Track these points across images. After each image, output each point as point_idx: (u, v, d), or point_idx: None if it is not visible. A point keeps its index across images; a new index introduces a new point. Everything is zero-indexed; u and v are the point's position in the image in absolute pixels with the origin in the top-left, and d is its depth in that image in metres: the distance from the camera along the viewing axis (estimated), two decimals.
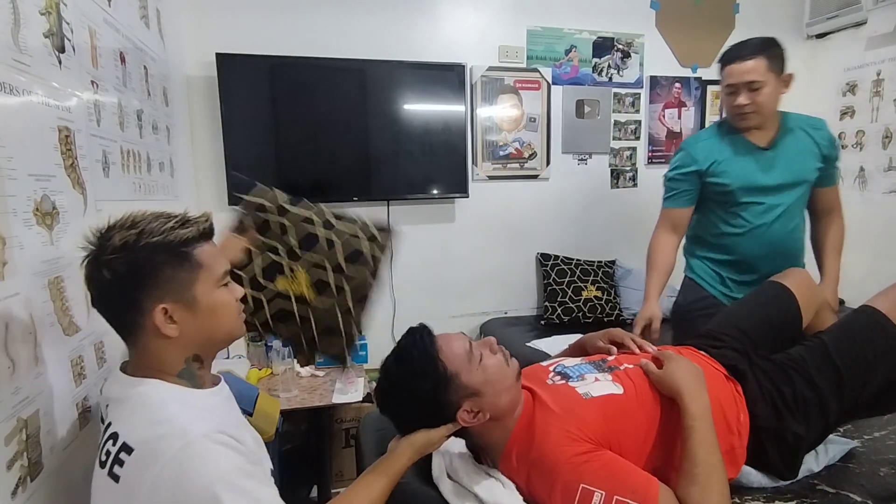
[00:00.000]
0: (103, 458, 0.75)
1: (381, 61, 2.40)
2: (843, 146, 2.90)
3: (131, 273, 0.76)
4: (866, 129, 2.77)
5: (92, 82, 1.21)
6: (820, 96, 3.01)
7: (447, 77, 2.49)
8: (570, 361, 1.16)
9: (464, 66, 2.53)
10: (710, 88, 2.95)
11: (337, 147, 2.41)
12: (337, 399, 1.90)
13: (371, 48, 2.43)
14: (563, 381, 1.08)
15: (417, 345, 0.98)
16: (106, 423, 0.79)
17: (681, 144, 1.80)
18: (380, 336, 2.51)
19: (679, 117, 2.95)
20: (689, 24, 2.88)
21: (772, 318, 1.31)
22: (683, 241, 1.82)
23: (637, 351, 1.20)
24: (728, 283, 1.73)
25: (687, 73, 2.93)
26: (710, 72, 2.94)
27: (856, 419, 1.23)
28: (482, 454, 1.05)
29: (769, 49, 1.55)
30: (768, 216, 1.64)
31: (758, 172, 1.62)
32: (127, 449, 0.72)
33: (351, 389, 1.95)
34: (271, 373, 2.06)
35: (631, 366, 1.12)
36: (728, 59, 1.59)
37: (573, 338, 2.17)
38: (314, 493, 2.17)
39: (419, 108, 2.48)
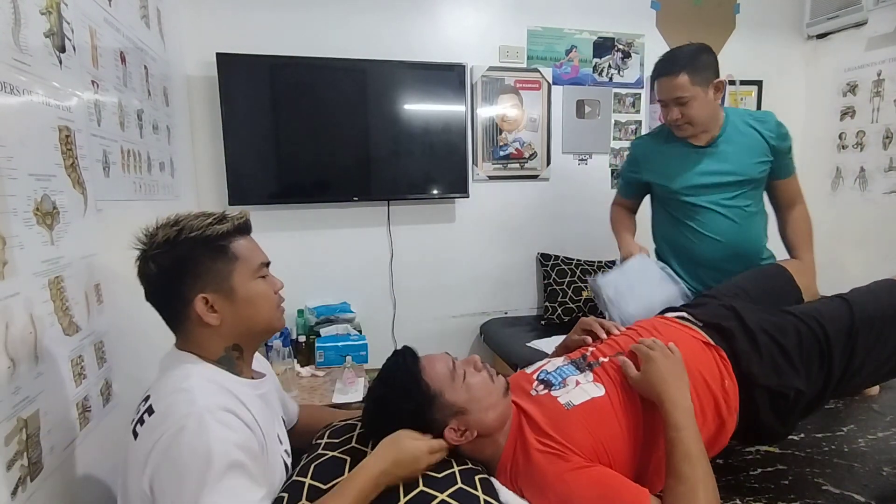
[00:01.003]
0: (134, 416, 0.82)
1: (382, 61, 2.40)
2: (843, 146, 2.90)
3: (174, 266, 0.85)
4: (867, 129, 2.77)
5: (92, 82, 1.21)
6: (820, 96, 3.01)
7: (447, 77, 2.49)
8: (552, 365, 1.16)
9: (464, 66, 2.53)
10: None
11: (337, 147, 2.41)
12: (337, 399, 1.89)
13: (371, 48, 2.43)
14: (546, 391, 1.07)
15: (400, 366, 0.98)
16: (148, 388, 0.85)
17: (632, 142, 1.93)
18: (380, 336, 2.52)
19: None
20: (689, 24, 2.88)
21: (773, 284, 1.32)
22: (653, 242, 1.89)
23: (603, 335, 1.19)
24: (698, 281, 1.73)
25: None
26: None
27: (861, 384, 1.19)
28: None
29: (694, 61, 1.53)
30: (717, 217, 1.63)
31: (693, 171, 1.63)
32: (150, 410, 0.79)
33: (351, 389, 1.94)
34: None
35: (606, 359, 1.11)
36: (655, 73, 1.60)
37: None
38: None
39: (419, 108, 2.48)
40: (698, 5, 2.89)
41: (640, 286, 1.61)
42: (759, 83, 3.04)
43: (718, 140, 1.62)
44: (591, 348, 1.18)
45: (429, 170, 2.54)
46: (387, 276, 2.62)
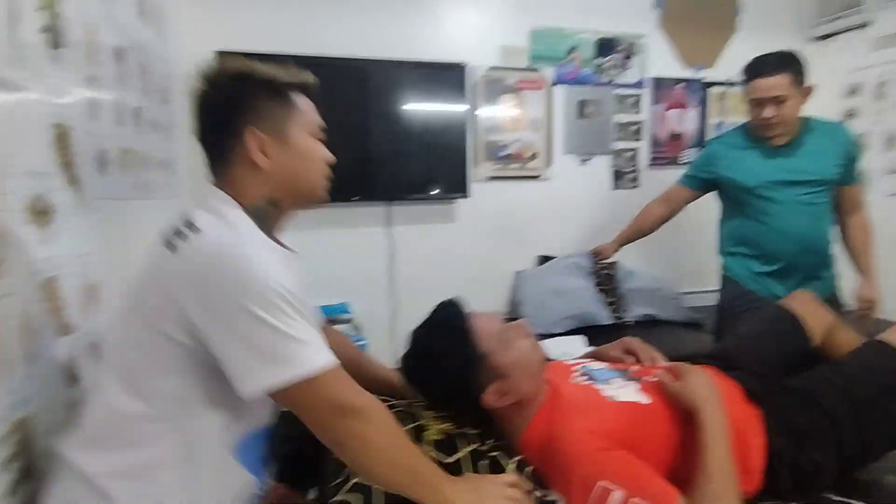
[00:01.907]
0: (166, 234, 0.79)
1: (382, 61, 2.39)
2: None
3: (234, 97, 0.85)
4: (870, 131, 2.76)
5: (89, 79, 1.20)
6: (823, 98, 2.98)
7: (448, 77, 2.48)
8: (595, 364, 1.15)
9: (465, 66, 2.52)
10: (712, 90, 2.94)
11: (337, 147, 2.35)
12: None
13: (372, 47, 2.42)
14: (589, 382, 1.06)
15: (451, 318, 0.98)
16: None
17: (708, 142, 2.03)
18: (380, 336, 2.50)
19: (681, 118, 2.94)
20: (691, 25, 2.87)
21: (782, 340, 1.28)
22: (717, 242, 1.94)
23: (647, 362, 1.18)
24: (762, 279, 1.77)
25: (689, 74, 2.92)
26: (712, 73, 2.93)
27: (883, 452, 1.13)
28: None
29: (792, 64, 1.63)
30: (790, 211, 1.69)
31: (770, 168, 1.70)
32: (195, 229, 0.76)
33: None
34: None
35: (654, 378, 1.10)
36: (754, 73, 1.67)
37: (574, 339, 2.17)
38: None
39: (420, 107, 2.47)
40: (700, 6, 2.88)
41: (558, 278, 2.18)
42: None
43: (796, 142, 1.70)
44: (633, 367, 1.16)
45: (429, 170, 2.53)
46: (387, 276, 2.61)
